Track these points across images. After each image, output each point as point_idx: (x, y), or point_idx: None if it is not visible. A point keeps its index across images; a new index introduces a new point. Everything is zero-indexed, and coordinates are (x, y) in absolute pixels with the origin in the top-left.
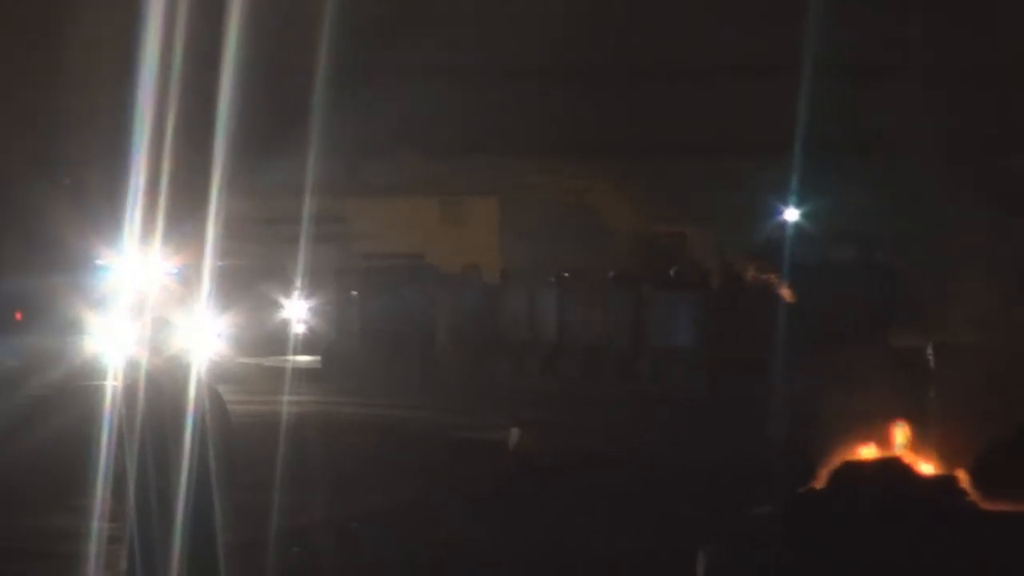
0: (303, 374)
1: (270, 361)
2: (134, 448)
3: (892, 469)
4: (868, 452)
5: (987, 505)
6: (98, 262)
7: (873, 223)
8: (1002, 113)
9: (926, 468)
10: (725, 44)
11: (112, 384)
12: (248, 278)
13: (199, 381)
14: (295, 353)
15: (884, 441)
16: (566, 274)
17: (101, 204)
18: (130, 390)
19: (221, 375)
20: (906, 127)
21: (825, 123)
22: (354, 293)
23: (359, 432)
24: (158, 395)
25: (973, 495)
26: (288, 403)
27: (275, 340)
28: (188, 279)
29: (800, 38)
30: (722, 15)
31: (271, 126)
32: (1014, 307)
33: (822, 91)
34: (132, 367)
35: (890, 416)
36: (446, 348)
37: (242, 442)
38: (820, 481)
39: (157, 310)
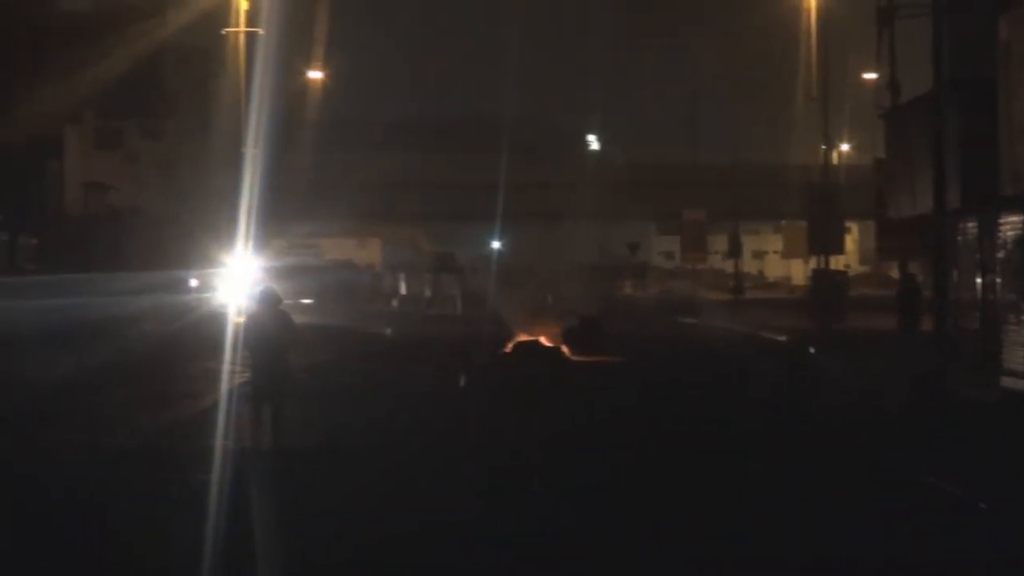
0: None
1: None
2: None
3: (536, 344)
4: (526, 337)
5: (574, 356)
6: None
7: None
8: None
9: (548, 344)
10: None
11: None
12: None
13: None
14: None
15: (534, 332)
16: None
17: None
18: (254, 314)
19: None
20: None
21: None
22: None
23: (323, 329)
24: (262, 315)
25: (567, 352)
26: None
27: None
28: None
29: None
30: None
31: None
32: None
33: None
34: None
35: (536, 322)
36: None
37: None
38: (508, 348)
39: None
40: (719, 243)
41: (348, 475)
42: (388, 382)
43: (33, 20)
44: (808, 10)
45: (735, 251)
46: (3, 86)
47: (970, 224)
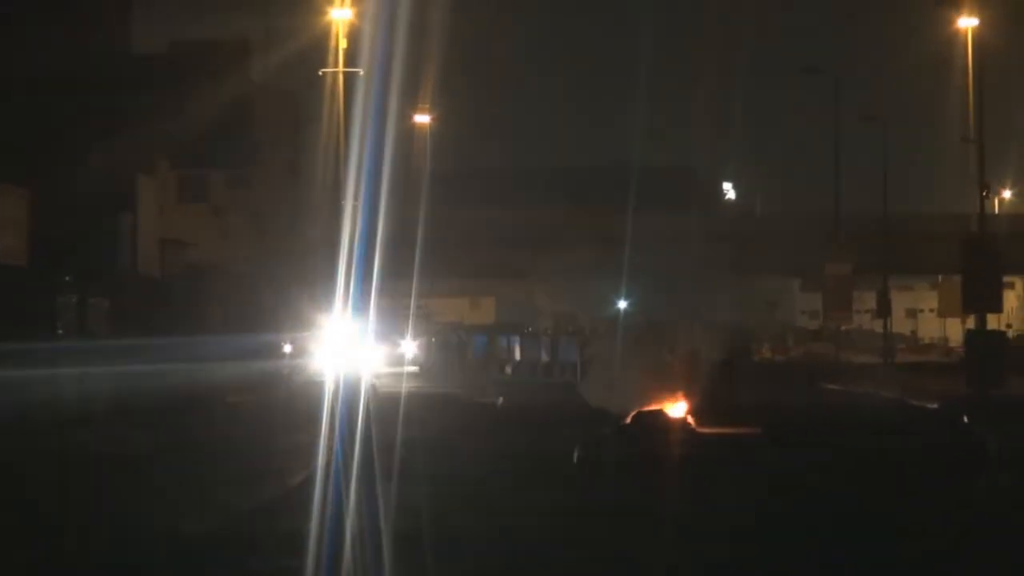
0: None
1: (397, 368)
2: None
3: (659, 414)
4: (649, 407)
5: (700, 428)
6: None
7: None
8: None
9: (676, 413)
10: None
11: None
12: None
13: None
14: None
15: (657, 401)
16: None
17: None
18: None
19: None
20: None
21: None
22: (432, 339)
23: (429, 398)
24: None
25: (694, 424)
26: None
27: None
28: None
29: None
30: None
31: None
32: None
33: None
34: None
35: (659, 391)
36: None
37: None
38: (628, 419)
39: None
40: (868, 301)
41: (456, 566)
42: (498, 457)
43: (104, 65)
44: (964, 45)
45: (884, 309)
46: (73, 137)
47: None
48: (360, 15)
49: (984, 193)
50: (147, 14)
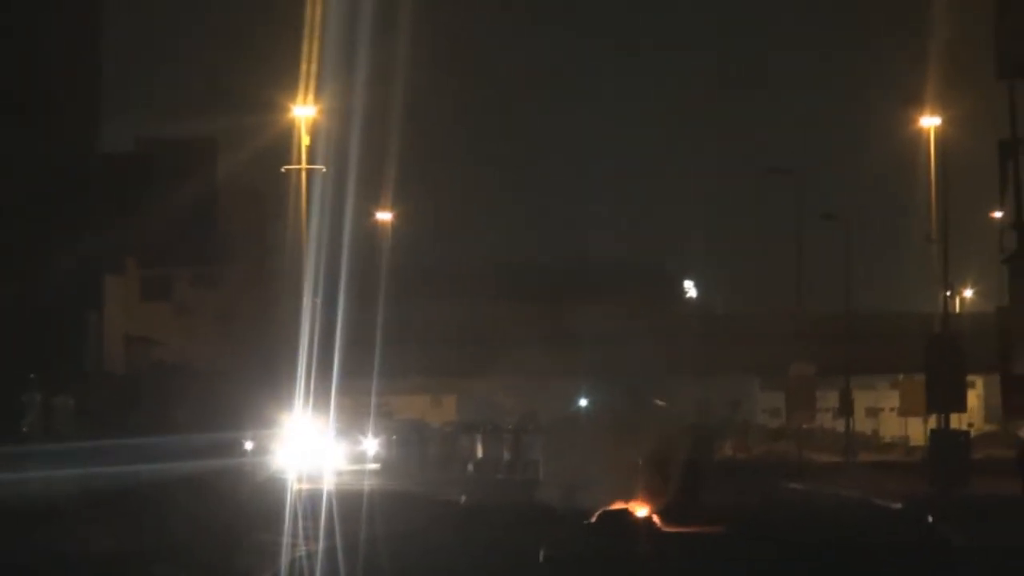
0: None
1: (358, 466)
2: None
3: (625, 513)
4: (614, 506)
5: (665, 528)
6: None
7: None
8: None
9: (641, 512)
10: None
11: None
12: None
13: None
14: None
15: (621, 500)
16: None
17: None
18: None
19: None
20: None
21: None
22: (393, 436)
23: (391, 496)
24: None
25: (659, 523)
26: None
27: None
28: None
29: None
30: None
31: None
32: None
33: None
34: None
35: (624, 491)
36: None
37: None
38: (594, 518)
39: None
40: (830, 399)
41: None
42: (464, 556)
43: (71, 163)
44: (927, 144)
45: (846, 409)
46: (38, 235)
47: None
48: (324, 111)
49: (947, 293)
50: (113, 111)
